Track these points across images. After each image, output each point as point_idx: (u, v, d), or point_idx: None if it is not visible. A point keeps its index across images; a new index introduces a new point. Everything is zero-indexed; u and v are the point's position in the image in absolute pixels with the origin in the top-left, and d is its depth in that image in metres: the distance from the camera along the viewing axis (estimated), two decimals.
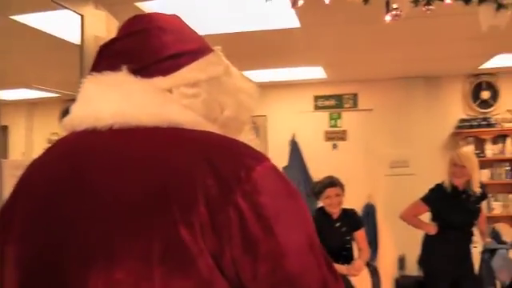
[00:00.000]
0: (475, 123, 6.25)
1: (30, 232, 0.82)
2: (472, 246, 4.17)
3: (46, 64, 4.71)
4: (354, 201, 4.69)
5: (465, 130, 6.26)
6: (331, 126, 6.79)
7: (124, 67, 0.87)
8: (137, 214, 0.74)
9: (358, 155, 6.48)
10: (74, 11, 2.65)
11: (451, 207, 3.98)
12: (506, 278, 4.56)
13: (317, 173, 5.42)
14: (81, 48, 2.70)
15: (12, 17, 3.30)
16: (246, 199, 0.74)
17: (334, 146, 6.75)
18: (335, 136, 6.76)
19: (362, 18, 3.47)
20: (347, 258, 4.15)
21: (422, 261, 4.31)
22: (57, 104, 6.52)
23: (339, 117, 6.78)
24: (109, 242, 0.74)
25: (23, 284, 0.81)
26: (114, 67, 0.88)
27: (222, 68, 0.94)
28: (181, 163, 0.77)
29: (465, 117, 6.37)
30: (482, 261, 4.48)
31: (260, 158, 0.81)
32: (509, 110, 6.31)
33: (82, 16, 2.70)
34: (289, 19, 3.65)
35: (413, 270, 5.49)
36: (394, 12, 2.56)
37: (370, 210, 6.34)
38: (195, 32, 0.98)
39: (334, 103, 6.76)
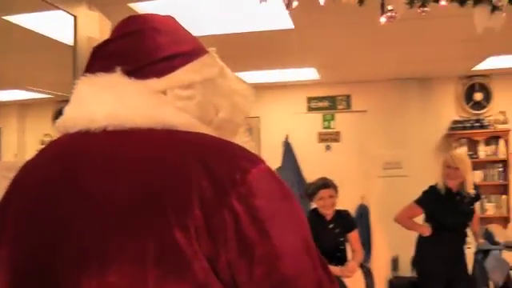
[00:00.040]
0: (468, 125, 6.27)
1: (23, 234, 0.82)
2: (465, 247, 4.18)
3: (39, 65, 4.69)
4: (347, 202, 4.69)
5: (458, 132, 6.28)
6: (324, 128, 6.79)
7: (118, 68, 0.86)
8: (131, 216, 0.73)
9: (351, 157, 6.49)
10: (67, 12, 2.64)
11: (445, 209, 3.98)
12: (499, 279, 4.59)
13: (310, 174, 5.42)
14: (74, 49, 2.68)
15: (4, 17, 3.28)
16: (241, 202, 0.74)
17: (328, 148, 6.76)
18: (328, 137, 6.76)
19: (356, 19, 3.47)
20: (341, 260, 4.14)
21: (416, 262, 4.32)
22: (49, 105, 6.51)
23: (332, 118, 6.78)
24: (102, 245, 0.74)
25: (14, 286, 0.80)
26: (107, 68, 0.87)
27: (216, 70, 0.94)
28: (175, 165, 0.76)
29: (458, 118, 6.40)
30: (476, 262, 4.49)
31: (255, 160, 0.81)
32: (501, 112, 6.35)
33: (75, 17, 2.68)
34: (282, 20, 3.65)
35: (406, 271, 5.49)
36: (389, 14, 2.56)
37: (363, 211, 6.35)
38: (190, 33, 0.97)
39: (328, 104, 6.77)
